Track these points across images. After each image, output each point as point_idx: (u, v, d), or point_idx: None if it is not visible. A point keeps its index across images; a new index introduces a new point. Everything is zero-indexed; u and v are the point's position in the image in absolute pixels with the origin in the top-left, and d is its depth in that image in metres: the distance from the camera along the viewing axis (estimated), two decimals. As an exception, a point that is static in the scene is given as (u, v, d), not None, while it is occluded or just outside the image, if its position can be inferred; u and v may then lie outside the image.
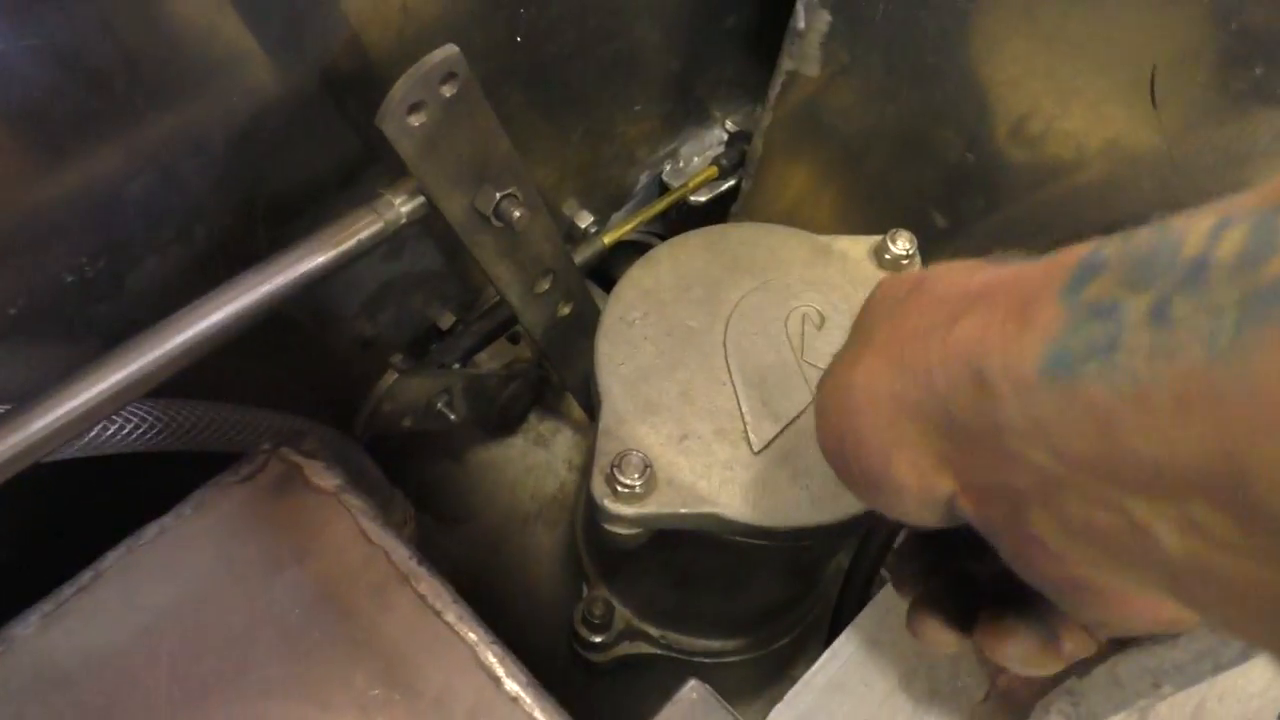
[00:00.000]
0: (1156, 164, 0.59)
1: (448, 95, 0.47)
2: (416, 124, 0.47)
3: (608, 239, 0.82)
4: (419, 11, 0.54)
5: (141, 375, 0.44)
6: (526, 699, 0.49)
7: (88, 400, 0.43)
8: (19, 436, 0.42)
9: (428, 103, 0.47)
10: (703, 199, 0.91)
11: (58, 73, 0.40)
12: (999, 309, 0.25)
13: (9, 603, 0.49)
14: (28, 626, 0.48)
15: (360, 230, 0.50)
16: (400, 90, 0.45)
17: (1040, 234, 0.70)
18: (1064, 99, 0.62)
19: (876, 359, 0.30)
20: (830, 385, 0.33)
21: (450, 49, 0.46)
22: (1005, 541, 0.28)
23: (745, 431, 0.56)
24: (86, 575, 0.50)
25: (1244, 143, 0.55)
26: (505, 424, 0.89)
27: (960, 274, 0.29)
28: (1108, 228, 0.63)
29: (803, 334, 0.60)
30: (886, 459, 0.29)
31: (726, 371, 0.58)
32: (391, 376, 0.69)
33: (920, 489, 0.29)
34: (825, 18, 0.71)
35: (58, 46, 0.40)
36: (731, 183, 0.91)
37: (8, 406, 0.42)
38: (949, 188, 0.73)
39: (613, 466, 0.53)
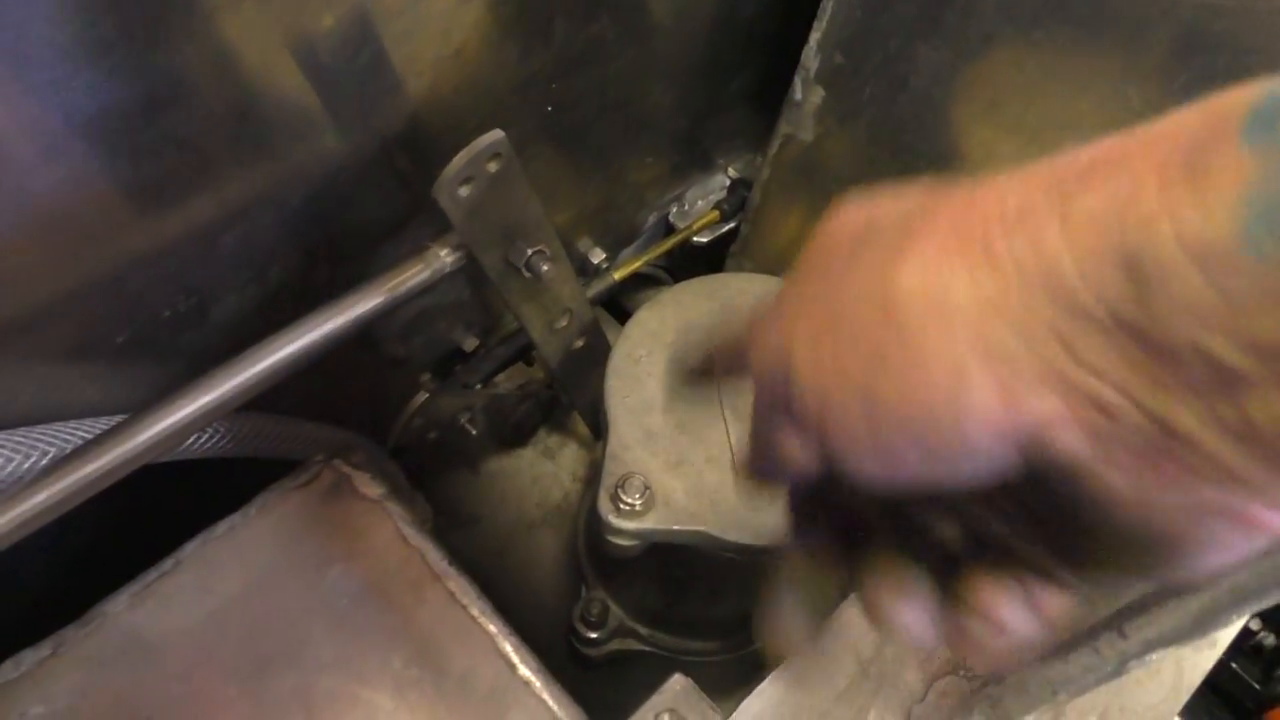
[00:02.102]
0: (1098, 243, 0.68)
1: (493, 171, 0.56)
2: (465, 194, 0.56)
3: (618, 274, 0.91)
4: (468, 90, 0.62)
5: (230, 396, 0.53)
6: (537, 683, 0.57)
7: (187, 416, 0.52)
8: (133, 444, 0.50)
9: (476, 177, 0.56)
10: (705, 240, 0.99)
11: (172, 150, 0.49)
12: (1144, 170, 0.20)
13: (103, 583, 0.58)
14: (118, 604, 0.57)
15: (411, 278, 0.59)
16: (454, 167, 0.54)
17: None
18: (1023, 179, 0.71)
19: (938, 255, 0.24)
20: (843, 295, 0.26)
21: (497, 134, 0.55)
22: (1110, 470, 0.23)
23: (732, 460, 0.64)
24: (168, 562, 0.58)
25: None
26: (517, 438, 0.98)
27: (1010, 176, 0.24)
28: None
29: (786, 376, 0.69)
30: (959, 378, 0.23)
31: (718, 407, 0.67)
32: (423, 395, 0.78)
33: (1002, 417, 0.23)
34: (820, 93, 0.80)
35: (178, 134, 0.48)
36: (731, 225, 1.00)
37: (124, 417, 0.51)
38: (923, 247, 0.81)
39: (617, 486, 0.61)
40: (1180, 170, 0.20)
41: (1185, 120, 0.21)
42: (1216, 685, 1.05)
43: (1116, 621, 0.43)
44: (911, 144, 0.76)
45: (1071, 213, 0.21)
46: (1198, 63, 0.57)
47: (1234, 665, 1.01)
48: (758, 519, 0.62)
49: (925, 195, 0.27)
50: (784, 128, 0.85)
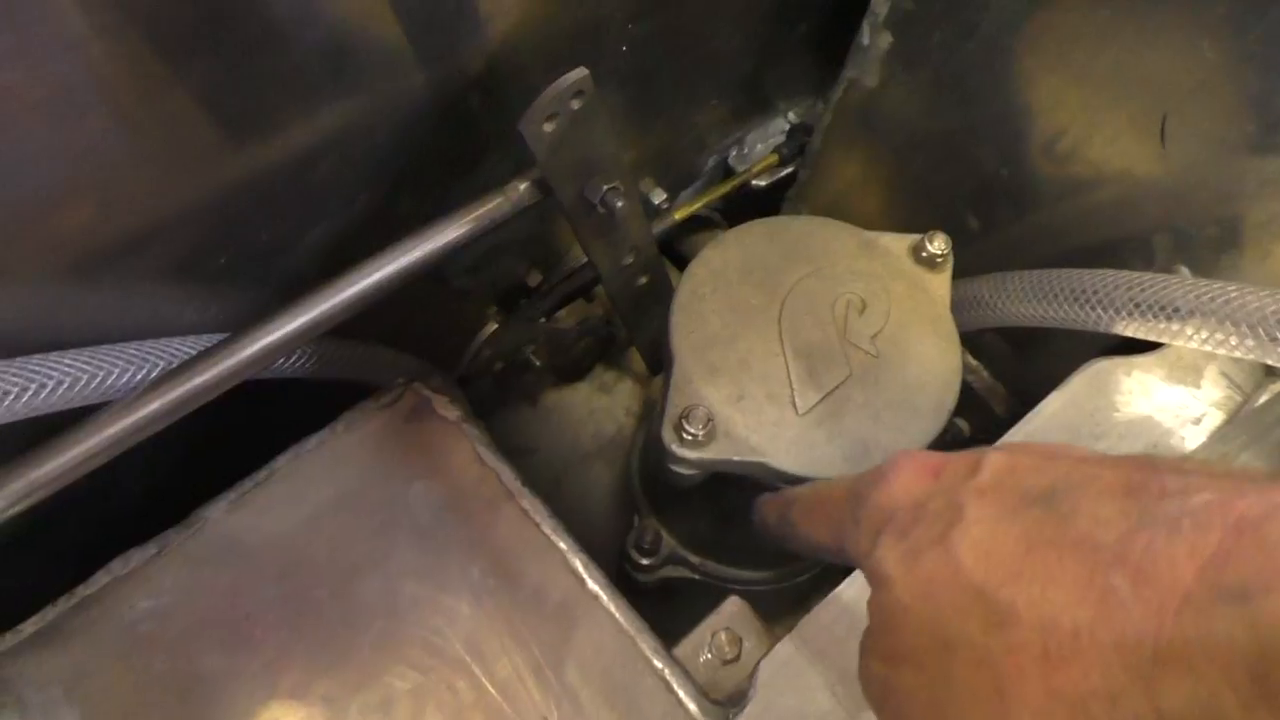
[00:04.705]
0: (1161, 193, 0.69)
1: (575, 108, 0.58)
2: (549, 130, 0.58)
3: (679, 214, 0.93)
4: (546, 30, 0.64)
5: (323, 318, 0.56)
6: (604, 596, 0.61)
7: (283, 336, 0.55)
8: (233, 360, 0.54)
9: (560, 114, 0.58)
10: (763, 184, 1.01)
11: (277, 82, 0.52)
12: (1218, 682, 0.22)
13: (202, 490, 0.62)
14: (218, 510, 0.61)
15: (493, 210, 0.61)
16: (541, 103, 0.56)
17: (1060, 239, 0.80)
18: (1088, 129, 0.72)
19: None
20: (956, 695, 0.29)
21: (581, 71, 0.57)
22: None
23: (792, 396, 0.67)
24: (263, 473, 0.62)
25: (1235, 185, 0.64)
26: (575, 372, 1.01)
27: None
28: (1119, 241, 0.73)
29: (846, 317, 0.71)
30: None
31: (779, 344, 0.69)
32: (491, 326, 0.81)
33: None
34: (888, 37, 0.80)
35: (284, 67, 0.51)
36: (790, 170, 1.01)
37: (226, 335, 0.55)
38: (983, 195, 0.83)
39: (681, 417, 0.64)
40: (1251, 689, 0.21)
41: (1231, 622, 0.22)
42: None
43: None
44: (977, 92, 0.77)
45: (1164, 711, 0.23)
46: (1275, 13, 0.57)
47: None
48: (812, 453, 0.64)
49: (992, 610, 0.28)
50: (849, 72, 0.86)
